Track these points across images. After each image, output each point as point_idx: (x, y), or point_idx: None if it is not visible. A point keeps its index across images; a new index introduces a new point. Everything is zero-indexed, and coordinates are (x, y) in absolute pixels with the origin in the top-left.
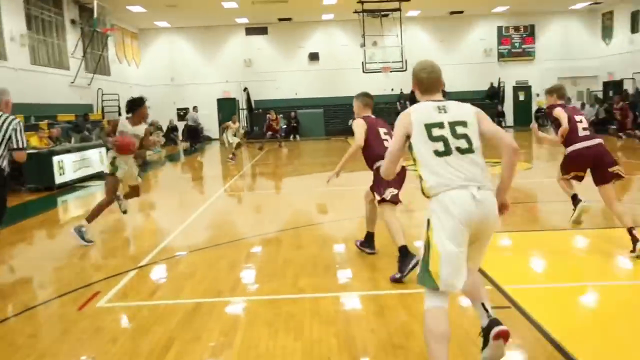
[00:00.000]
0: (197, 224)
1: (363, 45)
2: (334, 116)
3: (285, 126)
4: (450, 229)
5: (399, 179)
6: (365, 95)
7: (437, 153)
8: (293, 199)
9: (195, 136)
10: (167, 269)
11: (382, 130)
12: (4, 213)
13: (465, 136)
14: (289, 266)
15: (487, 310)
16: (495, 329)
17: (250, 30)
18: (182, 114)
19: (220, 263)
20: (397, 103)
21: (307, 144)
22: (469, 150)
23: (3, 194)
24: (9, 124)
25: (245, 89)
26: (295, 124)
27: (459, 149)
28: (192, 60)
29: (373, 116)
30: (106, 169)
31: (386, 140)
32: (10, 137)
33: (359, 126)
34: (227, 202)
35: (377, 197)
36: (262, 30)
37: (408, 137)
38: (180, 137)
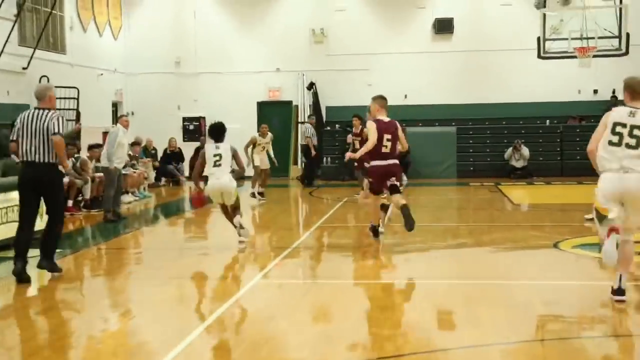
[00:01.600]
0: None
1: (541, 4)
2: (478, 140)
3: None
4: None
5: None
6: (381, 97)
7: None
8: (392, 298)
9: None
10: None
11: (385, 137)
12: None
13: None
14: None
15: None
16: None
17: None
18: (192, 127)
19: None
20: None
21: (423, 193)
22: None
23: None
24: (50, 119)
25: (311, 85)
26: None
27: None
28: (215, 30)
29: (386, 119)
30: None
31: (385, 146)
32: (49, 127)
33: (372, 128)
34: (267, 300)
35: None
36: None
37: None
38: (187, 172)
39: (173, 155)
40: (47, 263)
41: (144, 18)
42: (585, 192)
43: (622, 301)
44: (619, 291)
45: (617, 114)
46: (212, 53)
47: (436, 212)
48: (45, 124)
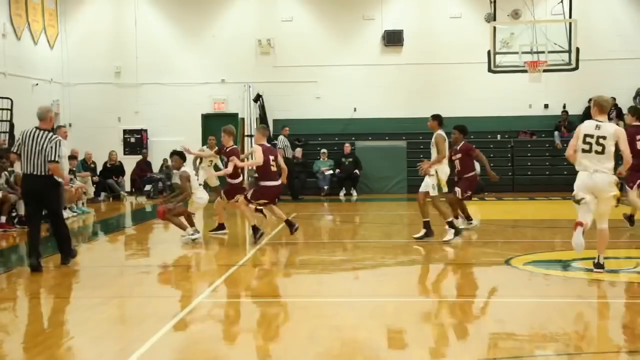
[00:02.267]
0: None
1: (491, 17)
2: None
3: (330, 172)
4: None
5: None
6: (264, 127)
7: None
8: (341, 316)
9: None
10: None
11: (271, 158)
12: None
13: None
14: None
15: None
16: None
17: None
18: (134, 140)
19: None
20: (555, 132)
21: (372, 208)
22: None
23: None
24: (49, 142)
25: (258, 97)
26: (352, 168)
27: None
28: (157, 39)
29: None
30: None
31: (272, 165)
32: (47, 151)
33: (258, 150)
34: (212, 320)
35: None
36: None
37: None
38: (128, 187)
39: (113, 169)
40: (66, 260)
41: (82, 26)
42: (536, 208)
43: (601, 272)
44: (598, 265)
45: (585, 127)
46: (154, 63)
47: (386, 228)
48: (44, 146)
